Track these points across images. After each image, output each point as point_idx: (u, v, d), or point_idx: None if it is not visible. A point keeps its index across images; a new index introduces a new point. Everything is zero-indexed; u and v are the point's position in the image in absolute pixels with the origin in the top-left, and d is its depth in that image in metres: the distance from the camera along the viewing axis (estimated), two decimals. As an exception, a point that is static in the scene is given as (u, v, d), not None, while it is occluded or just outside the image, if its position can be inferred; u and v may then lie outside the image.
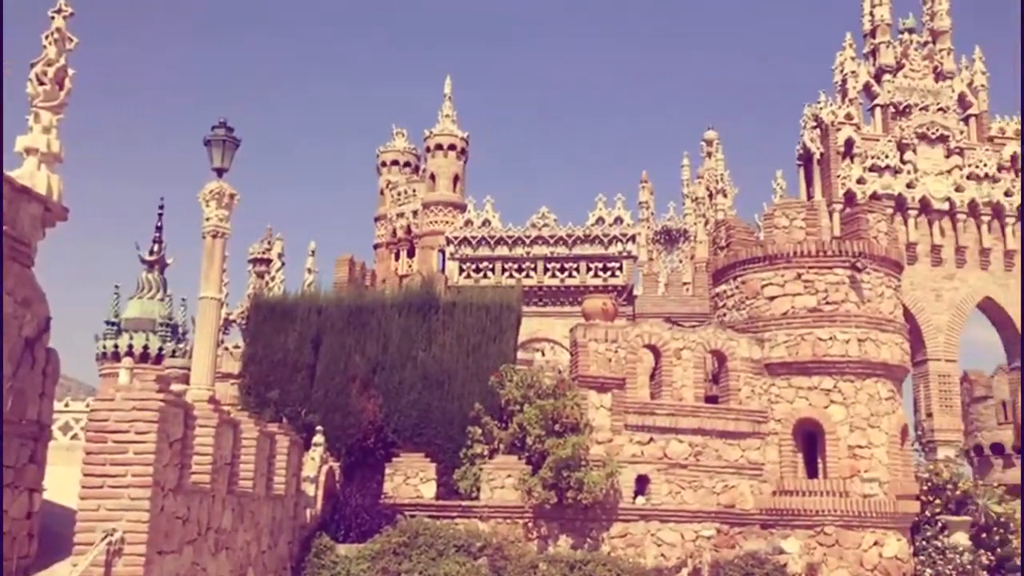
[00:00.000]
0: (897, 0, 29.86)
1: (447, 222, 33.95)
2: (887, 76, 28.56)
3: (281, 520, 11.61)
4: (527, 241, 29.42)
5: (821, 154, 27.81)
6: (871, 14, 29.56)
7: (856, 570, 14.86)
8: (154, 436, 6.85)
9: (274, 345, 16.45)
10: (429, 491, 14.85)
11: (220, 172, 12.47)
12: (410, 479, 14.88)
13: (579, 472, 14.33)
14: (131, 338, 24.95)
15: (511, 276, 28.86)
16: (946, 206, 27.60)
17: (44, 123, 7.66)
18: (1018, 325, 27.16)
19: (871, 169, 27.56)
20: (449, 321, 16.65)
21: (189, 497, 7.74)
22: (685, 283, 31.22)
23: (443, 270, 31.89)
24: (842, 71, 28.71)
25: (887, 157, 27.64)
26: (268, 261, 33.92)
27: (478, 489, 14.87)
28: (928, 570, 15.75)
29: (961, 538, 16.18)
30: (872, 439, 15.48)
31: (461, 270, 29.48)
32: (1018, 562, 17.21)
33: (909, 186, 27.52)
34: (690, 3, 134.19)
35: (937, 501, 16.71)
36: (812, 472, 15.73)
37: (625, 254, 29.21)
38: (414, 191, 38.10)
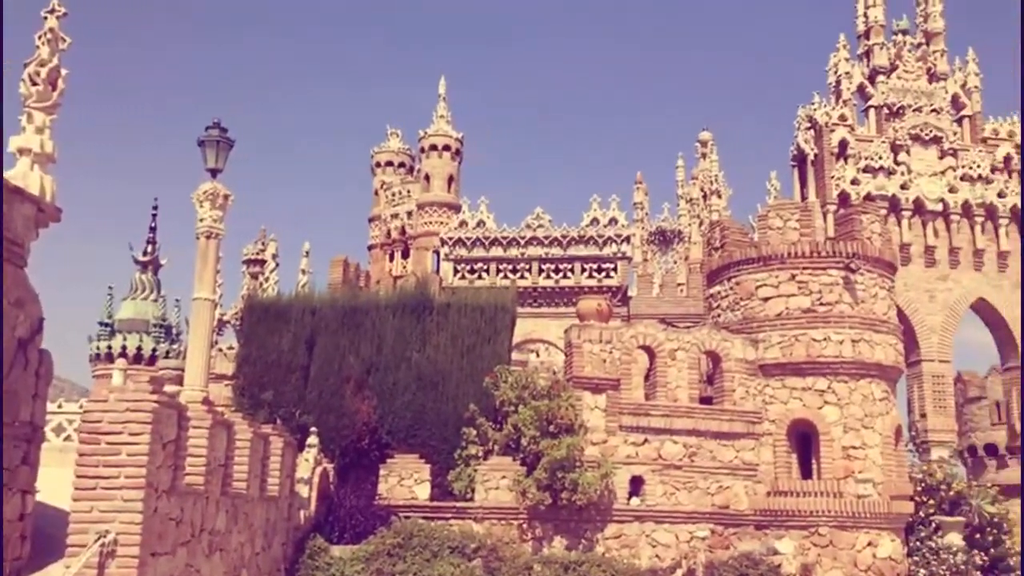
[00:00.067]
0: (891, 1, 29.94)
1: (442, 223, 33.92)
2: (881, 77, 28.62)
3: (275, 521, 11.59)
4: (522, 242, 29.43)
5: (815, 155, 27.86)
6: (865, 15, 29.61)
7: (850, 571, 14.89)
8: (147, 438, 6.84)
9: (268, 346, 16.43)
10: (423, 492, 14.84)
11: (214, 173, 12.44)
12: (404, 480, 14.87)
13: (574, 473, 14.33)
14: (125, 339, 24.89)
15: (506, 277, 28.86)
16: (940, 207, 27.67)
17: (37, 123, 7.64)
18: (1011, 326, 27.22)
19: (865, 170, 27.60)
20: (444, 322, 16.65)
21: (183, 498, 7.72)
22: (679, 284, 31.23)
23: (438, 271, 31.89)
24: (836, 72, 28.75)
25: (881, 158, 27.69)
26: (262, 262, 33.83)
27: (472, 490, 14.86)
28: (922, 570, 15.77)
29: (955, 538, 16.21)
30: (866, 440, 15.52)
31: (456, 271, 29.48)
32: (1011, 562, 17.24)
33: (903, 187, 27.58)
34: (685, 4, 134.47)
35: (931, 502, 16.73)
36: (806, 473, 15.75)
37: (620, 255, 29.23)
38: (408, 192, 38.06)
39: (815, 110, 28.03)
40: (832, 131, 27.73)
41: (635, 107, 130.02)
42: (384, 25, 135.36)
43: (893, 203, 27.41)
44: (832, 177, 27.39)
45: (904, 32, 29.76)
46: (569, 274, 29.08)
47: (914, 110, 28.28)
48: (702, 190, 43.77)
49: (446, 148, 36.14)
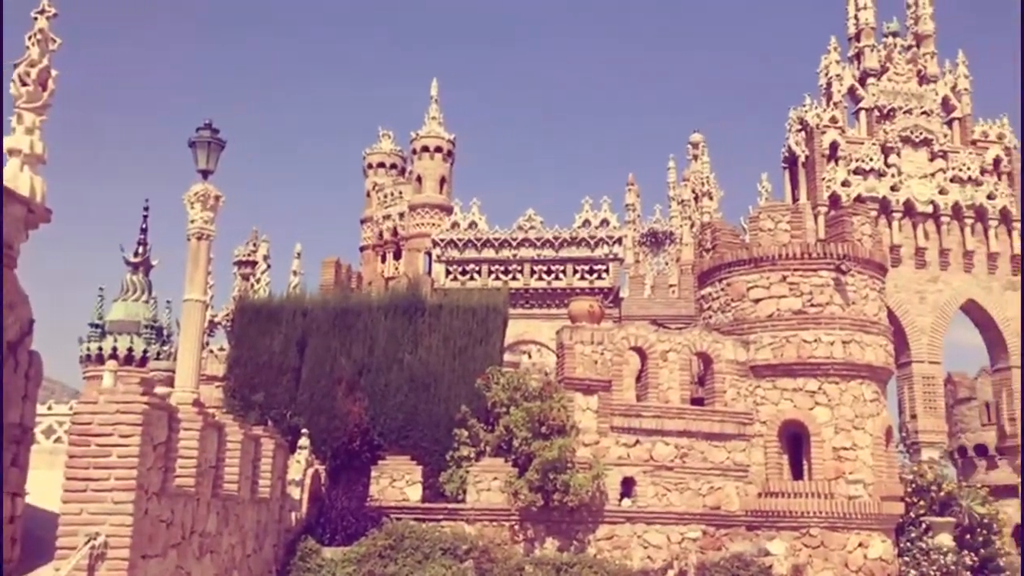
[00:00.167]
0: (881, 4, 30.01)
1: (433, 224, 33.91)
2: (871, 79, 28.70)
3: (266, 523, 11.57)
4: (514, 243, 29.42)
5: (806, 157, 27.92)
6: (856, 18, 29.69)
7: (841, 571, 14.92)
8: (138, 439, 6.81)
9: (259, 347, 16.40)
10: (415, 494, 14.83)
11: (205, 174, 12.43)
12: (396, 482, 14.86)
13: (565, 474, 14.34)
14: (115, 340, 24.84)
15: (497, 278, 28.85)
16: (930, 209, 27.75)
17: (27, 124, 7.61)
18: (1000, 327, 27.32)
19: (856, 172, 27.68)
20: (435, 323, 16.65)
21: (173, 500, 7.70)
22: (671, 285, 31.29)
23: (429, 272, 31.85)
24: (827, 74, 28.82)
25: (871, 160, 27.77)
26: (253, 263, 33.77)
27: (464, 492, 14.85)
28: (912, 571, 15.83)
29: (945, 539, 16.27)
30: (857, 441, 15.56)
31: (447, 272, 29.46)
32: (1001, 563, 17.33)
33: (893, 189, 27.66)
34: (677, 6, 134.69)
35: (921, 502, 16.80)
36: (797, 474, 15.79)
37: (611, 256, 29.25)
38: (400, 193, 38.04)
39: (806, 112, 28.10)
40: (823, 133, 27.80)
41: (627, 109, 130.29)
42: (377, 26, 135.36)
43: (883, 205, 27.49)
44: (823, 179, 27.46)
45: (895, 34, 29.85)
46: (561, 275, 29.10)
47: (904, 112, 28.37)
48: (693, 192, 43.84)
49: (438, 150, 36.15)
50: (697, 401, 16.11)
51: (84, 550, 6.43)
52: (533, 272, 29.21)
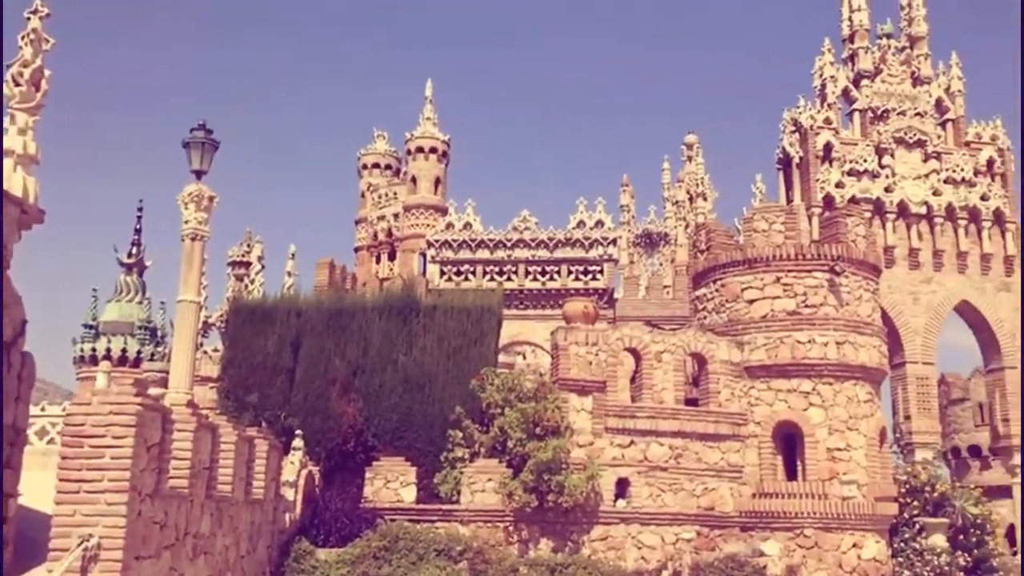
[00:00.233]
0: (875, 5, 30.09)
1: (428, 225, 33.92)
2: (865, 81, 28.79)
3: (260, 525, 11.55)
4: (508, 244, 29.43)
5: (800, 158, 27.99)
6: (850, 19, 29.78)
7: (835, 572, 14.94)
8: (131, 440, 6.80)
9: (253, 348, 16.38)
10: (409, 495, 14.83)
11: (199, 174, 12.41)
12: (390, 483, 14.85)
13: (560, 475, 14.35)
14: (109, 341, 24.78)
15: (492, 279, 28.86)
16: (923, 210, 27.83)
17: (20, 124, 7.58)
18: (994, 328, 27.42)
19: (850, 173, 27.75)
20: (430, 324, 16.64)
21: (167, 502, 7.69)
22: (665, 286, 31.30)
23: (424, 273, 31.86)
24: (821, 76, 28.89)
25: (865, 161, 27.85)
26: (247, 264, 33.74)
27: (459, 493, 14.85)
28: (906, 572, 15.85)
29: (939, 540, 16.31)
30: (851, 441, 15.59)
31: (442, 273, 29.46)
32: (994, 563, 17.37)
33: (887, 190, 27.74)
34: (671, 7, 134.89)
35: (915, 503, 16.83)
36: (791, 474, 15.82)
37: (606, 257, 29.28)
38: (395, 194, 38.02)
39: (800, 113, 28.16)
40: (817, 134, 27.87)
41: (621, 110, 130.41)
42: (371, 26, 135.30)
43: (877, 206, 27.55)
44: (817, 180, 27.52)
45: (888, 36, 29.94)
46: (555, 276, 29.11)
47: (898, 114, 28.46)
48: (688, 193, 43.89)
49: (432, 150, 36.14)
50: (691, 402, 16.13)
51: (77, 552, 6.42)
52: (528, 273, 29.22)
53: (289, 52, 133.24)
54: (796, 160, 28.06)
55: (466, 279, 29.07)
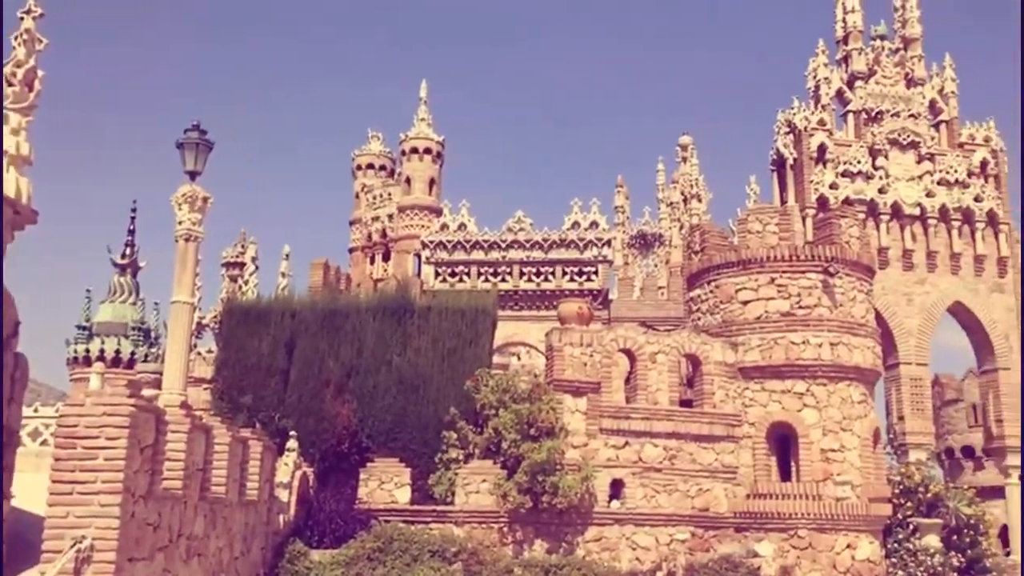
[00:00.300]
0: (869, 7, 30.16)
1: (423, 226, 33.91)
2: (859, 82, 28.83)
3: (254, 526, 11.53)
4: (503, 245, 29.44)
5: (794, 159, 28.02)
6: (843, 21, 29.82)
7: (829, 573, 14.97)
8: (125, 442, 6.78)
9: (247, 349, 16.35)
10: (404, 496, 14.81)
11: (193, 175, 12.40)
12: (385, 484, 14.83)
13: (554, 476, 14.35)
14: (103, 342, 24.75)
15: (487, 280, 28.87)
16: (917, 211, 27.89)
17: (13, 125, 7.56)
18: (987, 329, 27.48)
19: (843, 174, 27.79)
20: (424, 325, 16.62)
21: (160, 503, 7.67)
22: (660, 287, 31.34)
23: (418, 274, 31.83)
24: (815, 77, 28.93)
25: (859, 163, 27.90)
26: (241, 265, 33.70)
27: (453, 494, 14.84)
28: (900, 572, 15.90)
29: (932, 540, 16.35)
30: (845, 442, 15.62)
31: (437, 274, 29.45)
32: (987, 563, 17.43)
33: (881, 191, 27.79)
34: (665, 9, 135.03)
35: (909, 504, 16.87)
36: (785, 475, 15.84)
37: (600, 258, 29.30)
38: (389, 195, 38.00)
39: (794, 115, 28.20)
40: (811, 136, 27.90)
41: (616, 111, 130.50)
42: (366, 26, 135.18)
43: (871, 207, 27.60)
44: (811, 181, 27.55)
45: (882, 37, 29.99)
46: (550, 277, 29.13)
47: (892, 115, 28.51)
48: (682, 194, 43.94)
49: (427, 151, 36.14)
50: (686, 403, 16.14)
51: (70, 553, 6.40)
52: (522, 274, 29.23)
53: (286, 52, 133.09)
54: (790, 161, 28.10)
55: (461, 280, 29.07)
